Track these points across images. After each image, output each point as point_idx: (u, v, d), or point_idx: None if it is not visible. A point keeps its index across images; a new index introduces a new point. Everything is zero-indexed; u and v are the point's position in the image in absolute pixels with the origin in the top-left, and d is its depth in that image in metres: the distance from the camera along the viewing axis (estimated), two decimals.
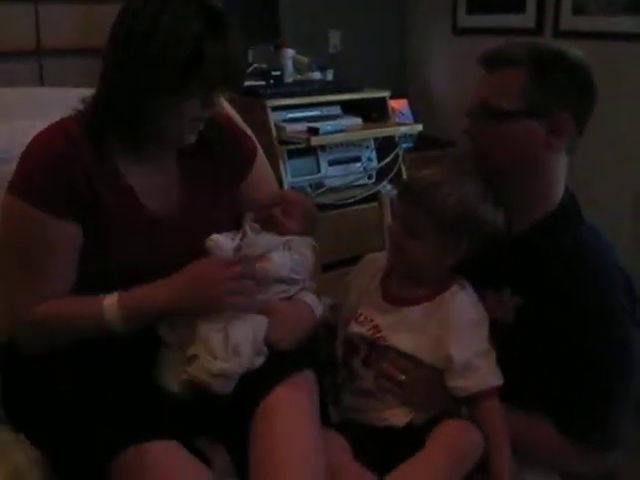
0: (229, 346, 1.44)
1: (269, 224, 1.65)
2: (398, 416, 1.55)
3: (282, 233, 1.64)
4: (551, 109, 1.50)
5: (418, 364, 1.56)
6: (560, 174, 1.57)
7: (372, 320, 1.60)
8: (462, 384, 1.52)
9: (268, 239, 1.62)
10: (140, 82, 1.46)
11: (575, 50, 1.55)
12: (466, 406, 1.54)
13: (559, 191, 1.58)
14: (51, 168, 1.48)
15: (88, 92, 1.60)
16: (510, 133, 1.50)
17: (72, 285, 1.54)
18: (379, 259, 1.69)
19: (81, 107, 1.58)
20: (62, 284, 1.53)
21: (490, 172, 1.53)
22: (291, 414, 1.43)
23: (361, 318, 1.62)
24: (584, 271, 1.50)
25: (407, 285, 1.61)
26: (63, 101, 1.68)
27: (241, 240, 1.61)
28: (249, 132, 1.97)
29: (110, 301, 1.48)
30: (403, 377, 1.55)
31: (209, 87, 1.49)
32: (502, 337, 1.55)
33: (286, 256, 1.59)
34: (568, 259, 1.51)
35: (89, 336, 1.50)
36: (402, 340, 1.57)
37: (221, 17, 1.48)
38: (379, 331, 1.59)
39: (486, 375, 1.52)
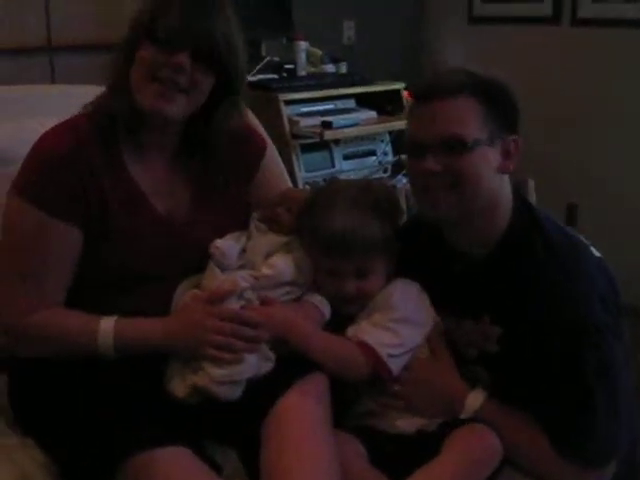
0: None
1: (274, 223, 1.63)
2: (407, 423, 1.54)
3: (287, 233, 1.61)
4: (503, 135, 1.50)
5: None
6: (506, 191, 1.55)
7: None
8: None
9: (271, 241, 1.60)
10: (120, 48, 1.52)
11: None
12: None
13: (508, 205, 1.55)
14: (58, 170, 1.47)
15: (99, 90, 1.60)
16: (472, 163, 1.47)
17: (69, 290, 1.52)
18: None
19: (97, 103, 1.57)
20: (60, 290, 1.51)
21: (461, 208, 1.49)
22: (301, 422, 1.40)
23: None
24: (558, 293, 1.46)
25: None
26: (74, 99, 1.66)
27: (247, 240, 1.60)
28: (260, 128, 1.94)
29: (106, 326, 1.47)
30: (397, 387, 1.54)
31: (162, 34, 1.47)
32: (490, 367, 1.54)
33: (288, 259, 1.57)
34: (540, 280, 1.48)
35: (77, 353, 1.48)
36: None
37: None
38: None
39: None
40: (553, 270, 1.48)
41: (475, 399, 1.52)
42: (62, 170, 1.47)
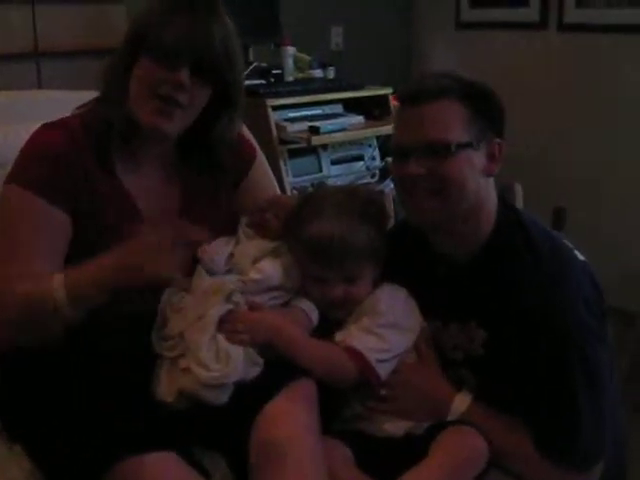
0: (219, 355, 1.42)
1: (262, 229, 1.63)
2: (395, 426, 1.54)
3: (274, 238, 1.62)
4: (487, 138, 1.51)
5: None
6: (491, 194, 1.56)
7: None
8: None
9: (259, 246, 1.60)
10: (117, 59, 1.52)
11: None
12: None
13: (492, 209, 1.56)
14: (51, 161, 1.48)
15: (86, 95, 1.61)
16: (456, 167, 1.47)
17: None
18: None
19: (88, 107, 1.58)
20: (47, 269, 1.46)
21: (446, 211, 1.50)
22: (288, 427, 1.39)
23: None
24: (542, 296, 1.47)
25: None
26: (61, 104, 1.67)
27: (236, 246, 1.60)
28: (249, 134, 1.94)
29: (58, 278, 1.41)
30: (383, 391, 1.54)
31: (162, 51, 1.46)
32: (476, 370, 1.55)
33: (276, 264, 1.57)
34: (524, 284, 1.49)
35: (43, 320, 1.42)
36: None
37: (199, 6, 1.50)
38: None
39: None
40: (537, 274, 1.49)
41: (461, 402, 1.53)
42: (55, 164, 1.48)
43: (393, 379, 1.55)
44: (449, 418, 1.52)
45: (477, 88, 1.52)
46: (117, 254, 1.41)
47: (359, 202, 1.58)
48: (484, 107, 1.51)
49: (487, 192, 1.54)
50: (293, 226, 1.58)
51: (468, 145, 1.47)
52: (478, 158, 1.49)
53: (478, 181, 1.50)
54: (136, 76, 1.49)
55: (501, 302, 1.50)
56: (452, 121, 1.47)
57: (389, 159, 1.66)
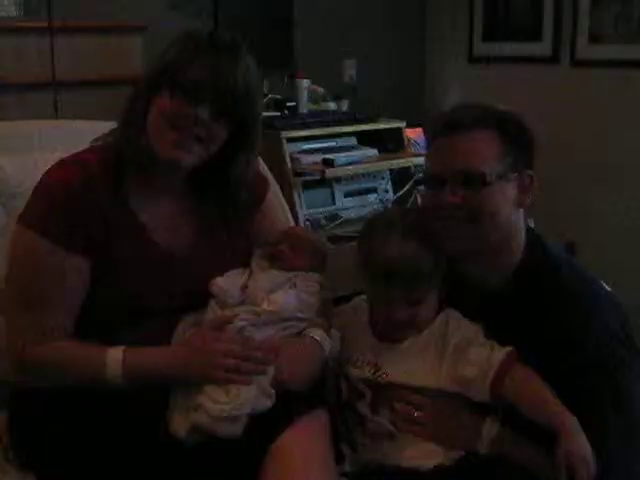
0: (229, 388, 1.42)
1: (277, 260, 1.64)
2: (425, 456, 1.51)
3: (289, 269, 1.62)
4: (519, 169, 1.52)
5: (431, 396, 1.54)
6: (521, 225, 1.58)
7: (369, 361, 1.58)
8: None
9: (273, 277, 1.61)
10: (138, 91, 1.54)
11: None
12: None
13: (521, 240, 1.58)
14: (66, 204, 1.48)
15: (104, 125, 1.62)
16: (490, 197, 1.49)
17: (76, 322, 1.52)
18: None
19: (106, 139, 1.59)
20: (67, 321, 1.51)
21: (477, 241, 1.51)
22: (301, 459, 1.39)
23: (358, 362, 1.60)
24: (572, 330, 1.48)
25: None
26: (79, 134, 1.69)
27: (249, 277, 1.61)
28: (263, 166, 1.95)
29: (114, 355, 1.46)
30: (417, 413, 1.53)
31: (185, 86, 1.48)
32: None
33: (291, 295, 1.58)
34: (554, 317, 1.49)
35: (86, 383, 1.47)
36: (406, 373, 1.55)
37: (223, 45, 1.53)
38: (379, 369, 1.57)
39: (491, 355, 1.51)
40: (566, 303, 1.50)
41: (491, 427, 1.51)
42: (71, 203, 1.48)
43: (428, 402, 1.54)
44: (479, 444, 1.50)
45: (510, 119, 1.53)
46: (183, 350, 1.49)
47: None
48: (517, 138, 1.52)
49: (517, 223, 1.55)
50: (361, 247, 1.58)
51: (502, 176, 1.49)
52: (510, 189, 1.51)
53: (510, 212, 1.52)
54: (156, 108, 1.51)
55: (530, 330, 1.50)
56: (487, 152, 1.49)
57: (420, 187, 1.67)
